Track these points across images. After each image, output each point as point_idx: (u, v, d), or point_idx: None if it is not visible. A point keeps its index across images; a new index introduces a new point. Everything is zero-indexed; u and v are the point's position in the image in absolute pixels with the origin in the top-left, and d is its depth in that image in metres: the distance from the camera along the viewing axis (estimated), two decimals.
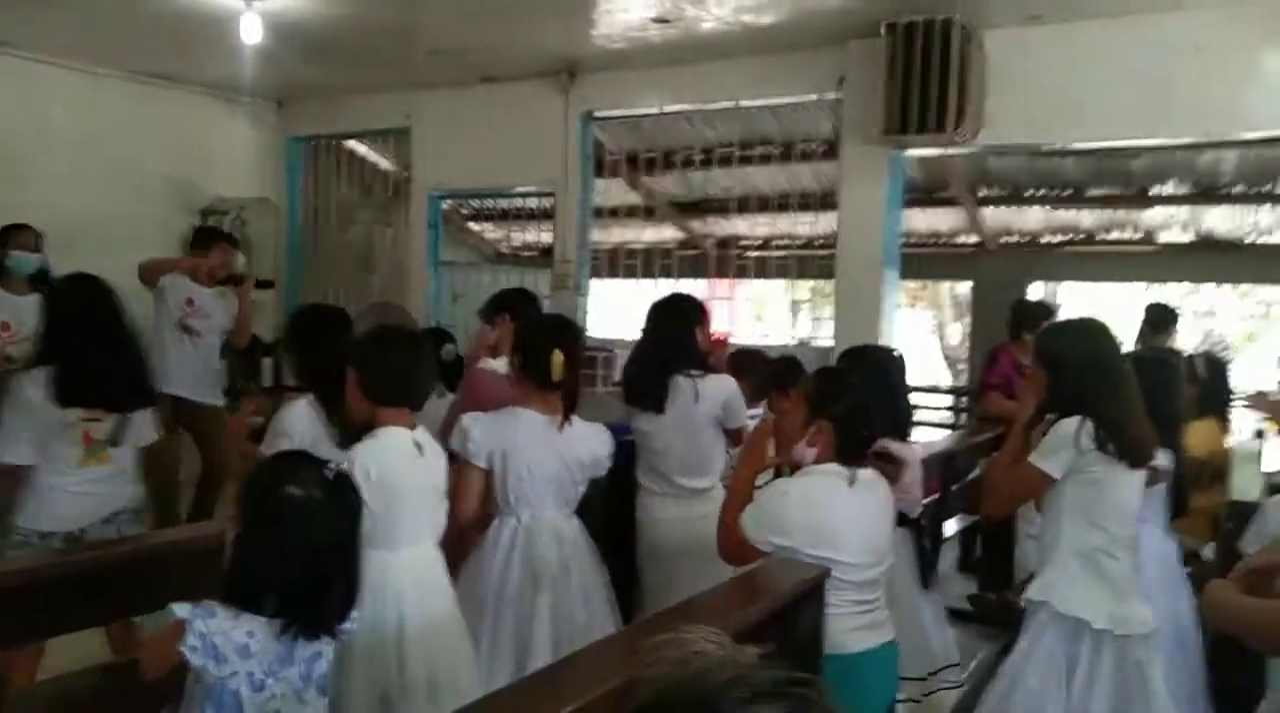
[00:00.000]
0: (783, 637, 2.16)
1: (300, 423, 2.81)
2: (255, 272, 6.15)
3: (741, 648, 0.71)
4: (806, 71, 5.72)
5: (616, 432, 4.08)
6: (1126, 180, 8.03)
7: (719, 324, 6.50)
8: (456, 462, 2.78)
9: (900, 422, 2.94)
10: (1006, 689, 2.73)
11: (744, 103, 6.14)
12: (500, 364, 3.56)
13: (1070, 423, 2.65)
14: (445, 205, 7.94)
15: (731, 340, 5.15)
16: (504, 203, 8.59)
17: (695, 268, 7.87)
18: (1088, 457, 2.65)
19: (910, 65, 4.90)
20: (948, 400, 10.06)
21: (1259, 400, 4.75)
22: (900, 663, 2.72)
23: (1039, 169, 8.09)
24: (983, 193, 8.72)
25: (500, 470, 2.81)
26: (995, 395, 5.28)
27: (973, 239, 9.59)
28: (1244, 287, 12.51)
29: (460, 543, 2.89)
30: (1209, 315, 10.65)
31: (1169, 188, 8.01)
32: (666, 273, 6.66)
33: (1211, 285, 10.55)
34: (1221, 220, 8.49)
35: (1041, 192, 8.47)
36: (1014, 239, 9.49)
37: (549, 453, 2.87)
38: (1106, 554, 2.71)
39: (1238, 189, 7.83)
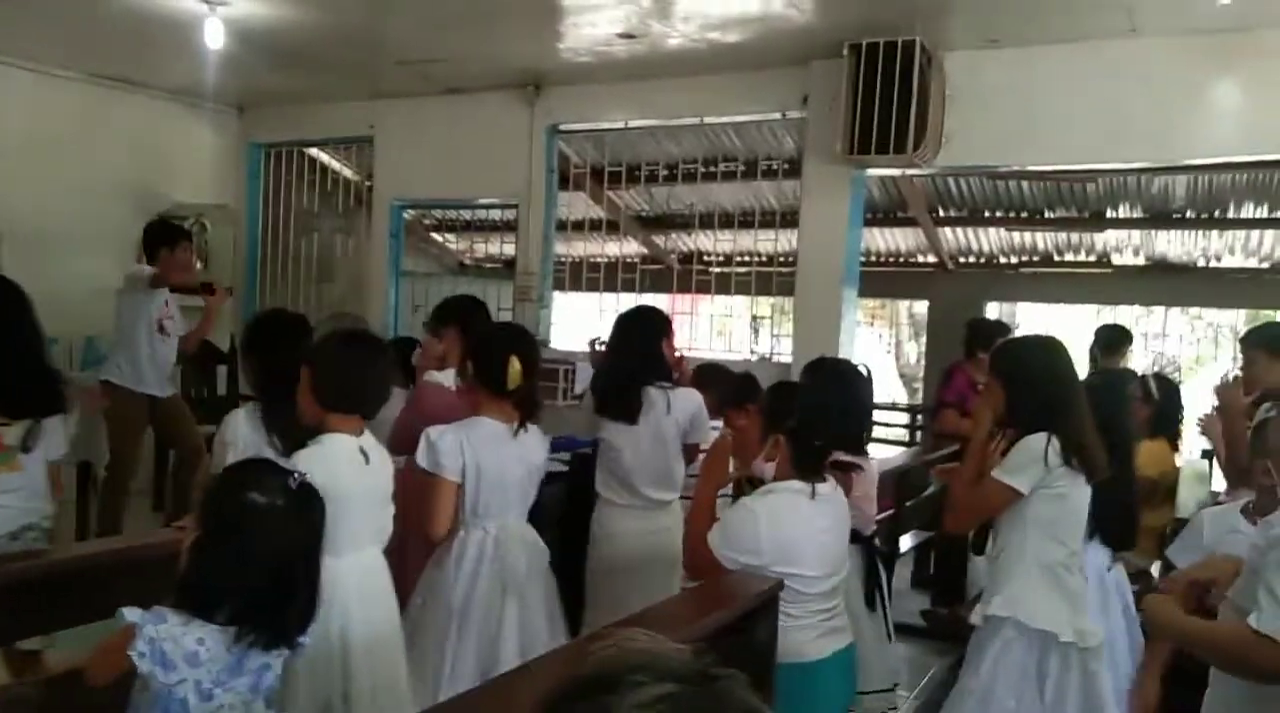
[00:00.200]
0: (739, 647, 2.18)
1: (243, 432, 2.79)
2: (215, 278, 6.07)
3: (678, 647, 0.71)
4: (770, 90, 5.78)
5: (569, 446, 4.09)
6: (1082, 204, 8.20)
7: (681, 340, 6.53)
8: (427, 476, 2.75)
9: (854, 436, 2.95)
10: (976, 708, 2.72)
11: (708, 119, 6.19)
12: (446, 376, 3.55)
13: (1038, 440, 2.67)
14: (408, 215, 7.91)
15: (690, 355, 5.17)
16: (467, 214, 8.57)
17: (658, 283, 7.90)
18: (1055, 473, 2.67)
19: (872, 86, 4.97)
20: (904, 418, 10.15)
21: (1210, 425, 4.84)
22: None
23: (997, 191, 8.23)
24: (941, 213, 8.85)
25: (472, 482, 2.80)
26: (950, 413, 5.35)
27: (931, 259, 9.72)
28: (1194, 311, 12.78)
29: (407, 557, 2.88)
30: (1160, 338, 10.84)
31: (1123, 212, 8.19)
32: (630, 287, 6.68)
33: (1162, 309, 10.75)
34: (1173, 245, 8.69)
35: (999, 213, 8.61)
36: (971, 260, 9.64)
37: (512, 461, 2.88)
38: (1065, 568, 2.74)
39: (1189, 214, 8.03)
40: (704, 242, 6.86)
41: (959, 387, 5.34)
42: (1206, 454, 5.47)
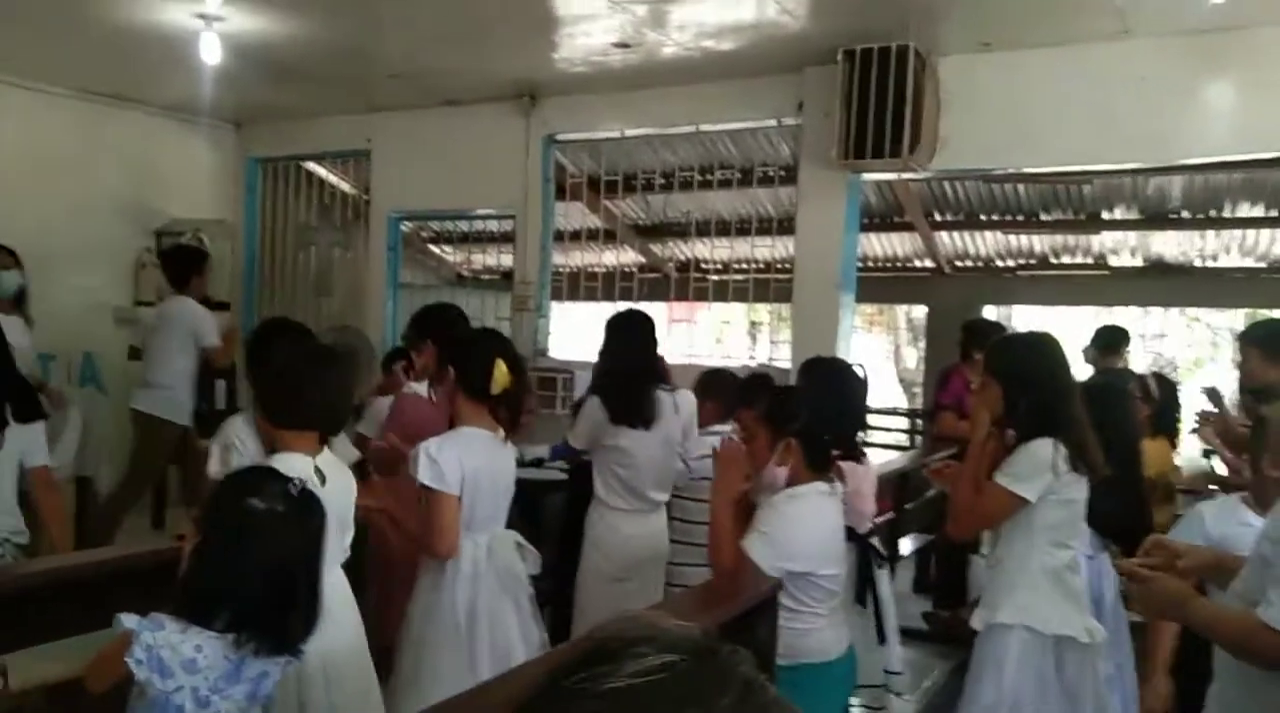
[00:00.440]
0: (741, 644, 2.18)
1: (243, 436, 2.79)
2: (212, 292, 6.10)
3: (685, 624, 0.71)
4: (765, 97, 5.80)
5: (569, 453, 4.09)
6: (1078, 206, 8.21)
7: (680, 347, 6.54)
8: (430, 492, 2.69)
9: (851, 432, 2.97)
10: None
11: (704, 127, 6.21)
12: (424, 387, 3.55)
13: (1044, 446, 2.65)
14: (405, 228, 7.92)
15: (690, 362, 5.18)
16: (464, 226, 8.59)
17: (656, 291, 7.92)
18: (1063, 479, 2.66)
19: (866, 92, 4.99)
20: (903, 422, 10.17)
21: (1206, 429, 4.86)
22: None
23: (993, 195, 8.25)
24: (937, 218, 8.87)
25: (469, 495, 2.75)
26: (948, 415, 5.36)
27: (928, 264, 9.74)
28: (1192, 313, 12.81)
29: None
30: (1159, 339, 10.88)
31: (1119, 213, 8.21)
32: (628, 296, 6.68)
33: (1160, 310, 10.77)
34: (1170, 245, 8.71)
35: (995, 217, 8.63)
36: (968, 264, 9.65)
37: (501, 469, 2.86)
38: (1070, 570, 2.75)
39: (1185, 214, 8.04)
40: (701, 249, 6.87)
41: (956, 389, 5.36)
42: (1207, 453, 5.48)
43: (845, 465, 2.85)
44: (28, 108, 6.53)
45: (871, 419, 7.25)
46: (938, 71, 5.17)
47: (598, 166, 7.08)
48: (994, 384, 2.79)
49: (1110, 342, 5.54)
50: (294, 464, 2.30)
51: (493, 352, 2.79)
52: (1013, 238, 9.05)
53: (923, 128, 5.01)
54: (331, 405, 2.51)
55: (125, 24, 5.22)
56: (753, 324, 9.14)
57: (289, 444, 2.42)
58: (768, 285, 6.18)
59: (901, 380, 15.20)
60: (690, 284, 6.58)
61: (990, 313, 9.55)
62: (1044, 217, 8.46)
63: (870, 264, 9.56)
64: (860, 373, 3.09)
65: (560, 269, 7.18)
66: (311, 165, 7.94)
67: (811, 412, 2.62)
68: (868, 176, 5.79)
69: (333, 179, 8.10)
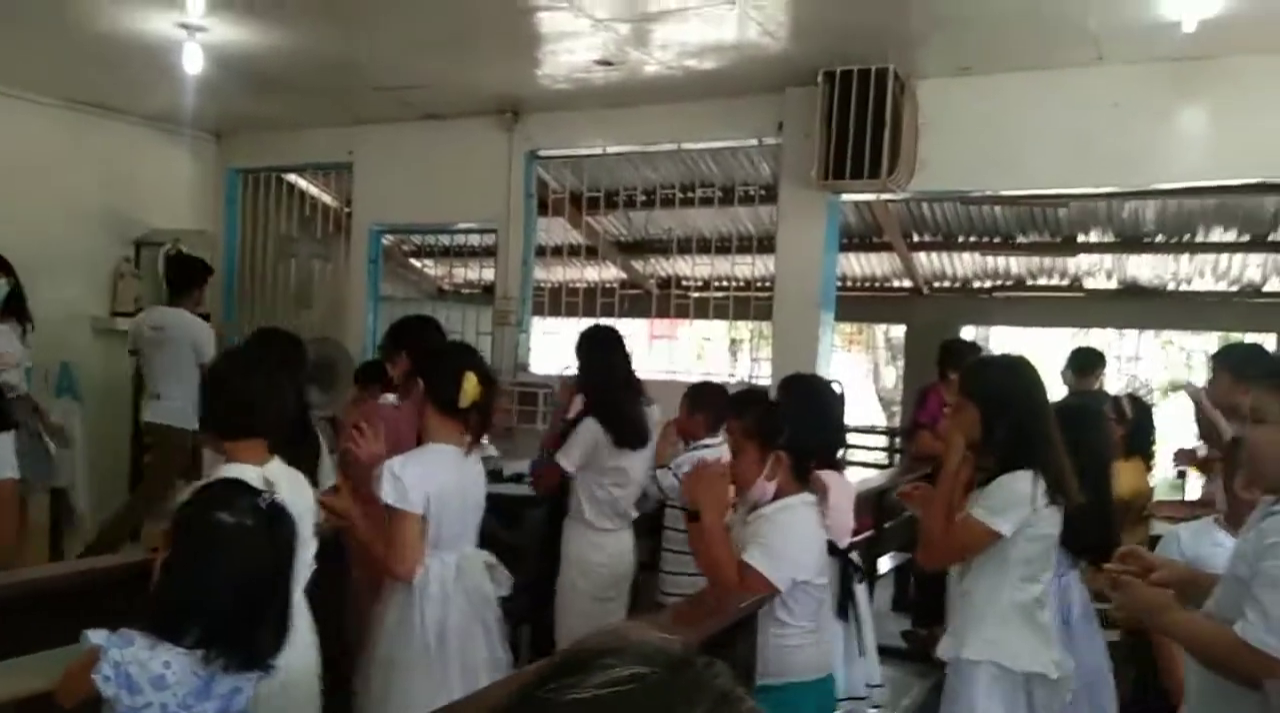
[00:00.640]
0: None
1: None
2: None
3: (664, 636, 0.71)
4: (746, 117, 5.85)
5: (534, 470, 4.10)
6: (1054, 229, 8.31)
7: (661, 364, 6.56)
8: (393, 511, 2.63)
9: (833, 447, 3.01)
10: None
11: (686, 145, 6.24)
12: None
13: (1023, 480, 2.59)
14: (386, 241, 7.91)
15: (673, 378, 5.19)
16: (446, 239, 8.58)
17: (637, 307, 7.94)
18: (1041, 514, 2.61)
19: (846, 113, 5.03)
20: (882, 441, 10.21)
21: (1184, 456, 4.94)
22: None
23: (970, 216, 8.34)
24: (916, 239, 8.94)
25: (435, 513, 2.67)
26: (925, 434, 5.40)
27: (906, 284, 9.81)
28: (1167, 336, 12.95)
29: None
30: (1133, 361, 10.98)
31: (1094, 236, 8.31)
32: (609, 312, 6.69)
33: (1135, 332, 10.88)
34: (1144, 269, 8.81)
35: (973, 238, 8.72)
36: (946, 284, 9.74)
37: (469, 485, 2.79)
38: (1039, 604, 2.70)
39: (1159, 238, 8.15)
40: (682, 266, 6.90)
41: (932, 409, 5.40)
42: (1181, 475, 5.55)
43: (826, 475, 2.88)
44: (7, 115, 6.49)
45: (850, 437, 7.29)
46: (917, 94, 5.23)
47: (580, 183, 7.10)
48: (970, 406, 2.71)
49: (1086, 363, 5.60)
50: (243, 476, 2.22)
51: (461, 364, 2.72)
52: (990, 259, 9.14)
53: (901, 150, 5.07)
54: (275, 406, 2.42)
55: (108, 33, 5.20)
56: (733, 341, 9.17)
57: (235, 455, 2.35)
58: (748, 303, 6.21)
59: (880, 399, 15.28)
60: (671, 301, 6.61)
61: (968, 333, 9.62)
62: (1021, 239, 8.55)
63: (849, 284, 9.63)
64: (838, 390, 3.13)
65: (542, 284, 7.19)
66: (293, 177, 7.92)
67: (793, 427, 2.66)
68: (847, 197, 5.84)
69: (314, 191, 8.08)
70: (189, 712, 1.82)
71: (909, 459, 6.13)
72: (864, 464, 8.70)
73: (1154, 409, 5.06)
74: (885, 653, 4.02)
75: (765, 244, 6.23)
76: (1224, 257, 8.35)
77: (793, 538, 2.58)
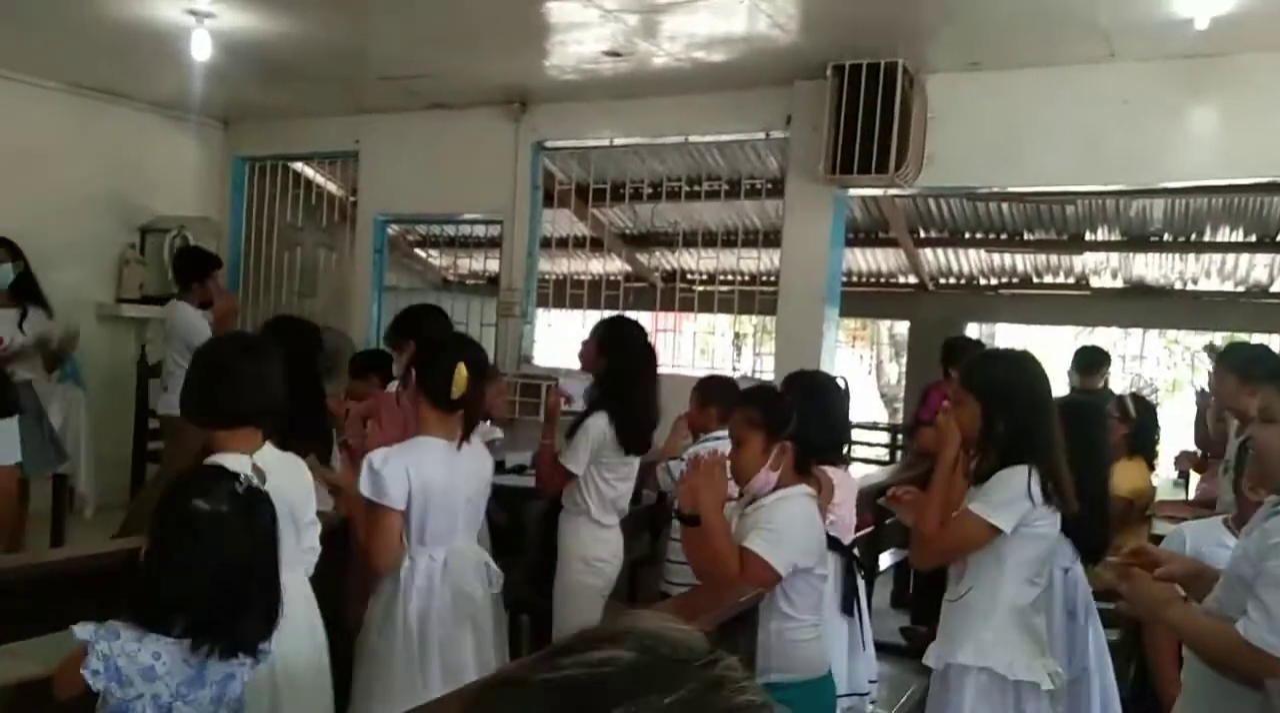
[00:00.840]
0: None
1: None
2: None
3: (687, 629, 0.70)
4: (754, 110, 5.83)
5: (535, 464, 4.09)
6: (1061, 226, 8.28)
7: (666, 357, 6.55)
8: (370, 505, 2.60)
9: (838, 441, 3.01)
10: None
11: (693, 138, 6.23)
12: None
13: (1019, 474, 2.52)
14: (391, 231, 7.90)
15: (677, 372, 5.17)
16: (451, 230, 8.57)
17: (642, 300, 7.92)
18: (1038, 511, 2.53)
19: (854, 107, 5.01)
20: (884, 437, 10.21)
21: (1185, 459, 4.94)
22: None
23: (977, 213, 8.31)
24: (922, 234, 8.92)
25: (418, 508, 2.63)
26: (928, 431, 5.36)
27: (911, 280, 9.79)
28: (1172, 335, 12.93)
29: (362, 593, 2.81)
30: (1138, 360, 10.96)
31: (1101, 234, 8.28)
32: (613, 304, 6.68)
33: (1140, 331, 10.87)
34: (1150, 268, 8.79)
35: (979, 235, 8.69)
36: (951, 281, 9.71)
37: (458, 481, 2.73)
38: (1035, 609, 2.64)
39: (1166, 237, 8.12)
40: (687, 260, 6.88)
41: (936, 406, 5.35)
42: (1183, 475, 5.54)
43: (830, 471, 2.87)
44: (14, 100, 6.48)
45: (853, 433, 7.29)
46: (925, 89, 5.21)
47: (586, 174, 7.09)
48: (971, 401, 2.62)
49: (1091, 362, 5.58)
50: (229, 463, 2.18)
51: (455, 357, 2.67)
52: (996, 256, 9.12)
53: (909, 144, 5.04)
54: (260, 393, 2.34)
55: (116, 19, 5.19)
56: (737, 336, 9.16)
57: (223, 445, 2.30)
58: (753, 297, 6.20)
59: (883, 395, 15.27)
60: (676, 294, 6.59)
61: (972, 330, 9.61)
62: (1027, 236, 8.53)
63: (854, 279, 9.61)
64: (842, 385, 3.13)
65: (546, 276, 7.18)
66: (299, 166, 7.91)
67: (797, 423, 2.67)
68: (854, 192, 5.82)
69: (320, 180, 8.07)
70: (183, 701, 1.81)
71: (911, 456, 6.12)
72: (866, 460, 8.69)
73: (1158, 409, 5.05)
74: (884, 650, 4.02)
75: (771, 238, 6.22)
76: (1231, 257, 8.33)
77: (792, 525, 2.57)
